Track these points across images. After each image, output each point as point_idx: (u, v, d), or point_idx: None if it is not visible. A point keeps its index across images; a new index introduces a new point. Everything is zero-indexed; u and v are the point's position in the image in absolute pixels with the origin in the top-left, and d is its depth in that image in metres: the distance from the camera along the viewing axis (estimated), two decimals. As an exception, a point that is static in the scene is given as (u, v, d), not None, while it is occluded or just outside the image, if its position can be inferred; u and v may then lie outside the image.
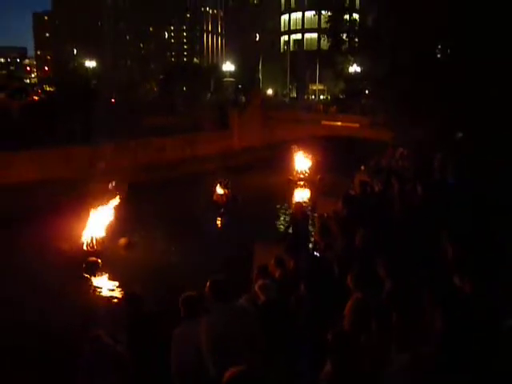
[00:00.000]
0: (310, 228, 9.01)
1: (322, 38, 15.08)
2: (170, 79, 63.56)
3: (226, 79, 67.66)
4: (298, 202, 12.56)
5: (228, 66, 64.56)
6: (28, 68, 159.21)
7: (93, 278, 12.24)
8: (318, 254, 6.81)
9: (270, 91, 66.26)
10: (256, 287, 6.44)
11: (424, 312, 3.29)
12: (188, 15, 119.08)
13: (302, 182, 25.06)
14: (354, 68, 17.45)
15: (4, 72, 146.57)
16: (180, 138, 28.85)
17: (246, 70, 69.47)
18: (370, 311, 3.74)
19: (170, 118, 33.38)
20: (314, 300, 4.78)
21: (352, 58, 14.77)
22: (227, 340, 3.71)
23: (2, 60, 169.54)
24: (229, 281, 3.87)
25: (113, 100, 52.10)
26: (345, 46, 13.34)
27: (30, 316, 9.37)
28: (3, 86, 53.52)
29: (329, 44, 13.40)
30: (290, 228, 9.45)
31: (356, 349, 2.92)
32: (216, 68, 74.78)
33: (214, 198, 20.06)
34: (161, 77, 74.93)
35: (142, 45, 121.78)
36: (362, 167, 12.74)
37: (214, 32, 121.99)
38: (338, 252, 6.04)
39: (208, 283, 3.82)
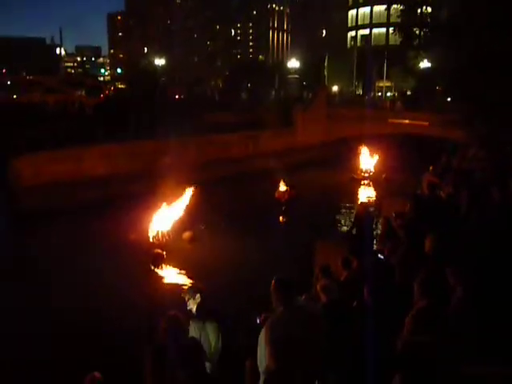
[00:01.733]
0: (375, 229, 8.74)
1: (392, 33, 14.58)
2: (235, 76, 64.38)
3: (290, 76, 67.43)
4: (363, 202, 12.29)
5: (293, 63, 64.29)
6: (102, 66, 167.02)
7: (157, 270, 12.63)
8: (382, 257, 6.60)
9: (335, 88, 65.20)
10: (318, 287, 6.32)
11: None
12: (254, 12, 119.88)
13: (366, 181, 24.49)
14: (426, 64, 16.77)
15: (80, 70, 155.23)
16: (243, 135, 29.11)
17: (311, 67, 68.77)
18: (435, 320, 3.56)
19: (235, 115, 33.78)
20: (377, 306, 4.62)
21: (424, 54, 14.18)
22: (289, 342, 3.66)
23: (79, 59, 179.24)
24: (294, 281, 3.81)
25: (179, 96, 53.51)
26: (416, 41, 12.84)
27: (94, 303, 9.84)
28: (80, 84, 56.61)
29: (400, 39, 12.94)
30: (354, 229, 9.26)
31: (428, 360, 2.71)
32: (281, 65, 74.77)
33: (276, 195, 20.06)
34: (226, 73, 76.02)
35: (208, 42, 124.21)
36: (431, 167, 12.21)
37: (280, 29, 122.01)
38: (402, 256, 5.82)
39: (273, 282, 3.76)
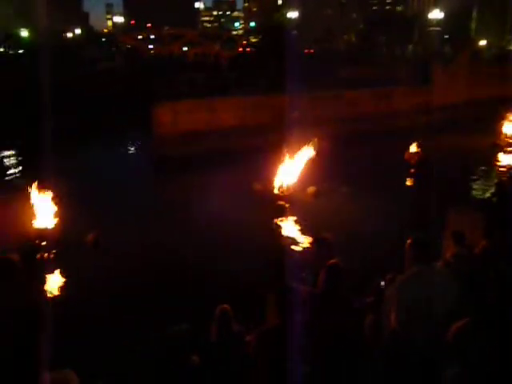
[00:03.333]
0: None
1: None
2: (370, 29, 61.19)
3: (431, 28, 62.12)
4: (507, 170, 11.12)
5: (435, 14, 58.91)
6: (236, 20, 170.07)
7: (279, 221, 12.98)
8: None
9: (483, 42, 58.77)
10: (448, 255, 5.97)
11: None
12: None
13: (510, 148, 22.10)
14: None
15: (216, 24, 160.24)
16: (374, 92, 27.84)
17: (455, 18, 62.52)
18: None
19: (368, 70, 32.35)
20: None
21: None
22: (416, 304, 3.53)
23: (215, 13, 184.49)
24: (430, 241, 3.61)
25: (311, 50, 52.66)
26: None
27: (221, 248, 10.43)
28: (217, 37, 58.64)
29: None
30: (496, 197, 8.46)
31: None
32: (421, 16, 68.97)
33: (406, 156, 19.04)
34: (361, 26, 72.67)
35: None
36: None
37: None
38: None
39: (409, 242, 3.62)
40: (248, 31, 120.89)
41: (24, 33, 60.35)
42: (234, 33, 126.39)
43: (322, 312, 3.20)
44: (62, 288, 9.46)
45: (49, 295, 9.19)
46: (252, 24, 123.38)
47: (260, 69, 30.25)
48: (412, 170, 18.48)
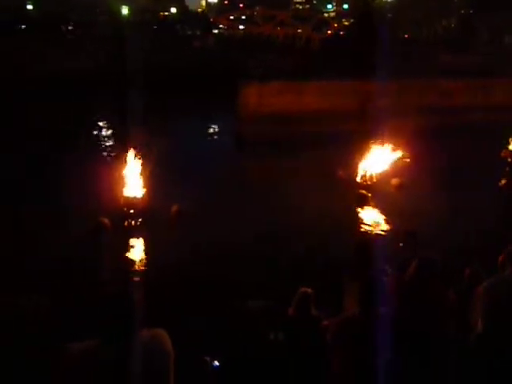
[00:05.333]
0: None
1: None
2: (472, 14, 57.13)
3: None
4: None
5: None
6: (329, 2, 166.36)
7: (360, 210, 12.75)
8: None
9: None
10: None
11: None
12: None
13: None
14: None
15: (308, 6, 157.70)
16: (472, 82, 26.08)
17: None
18: None
19: (467, 58, 30.39)
20: None
21: None
22: (505, 307, 3.35)
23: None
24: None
25: (405, 36, 50.37)
26: None
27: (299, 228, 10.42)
28: (308, 19, 57.82)
29: None
30: None
31: None
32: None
33: (502, 154, 17.78)
34: (461, 12, 68.17)
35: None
36: None
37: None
38: None
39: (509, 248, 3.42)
40: (341, 14, 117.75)
41: (124, 10, 63.39)
42: (326, 15, 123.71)
43: (409, 304, 3.13)
44: (143, 255, 10.05)
45: (131, 260, 9.84)
46: (345, 6, 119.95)
47: (351, 53, 29.50)
48: (507, 169, 17.25)
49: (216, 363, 4.48)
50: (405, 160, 14.40)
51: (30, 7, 65.52)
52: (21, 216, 11.00)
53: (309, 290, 4.30)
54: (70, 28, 51.46)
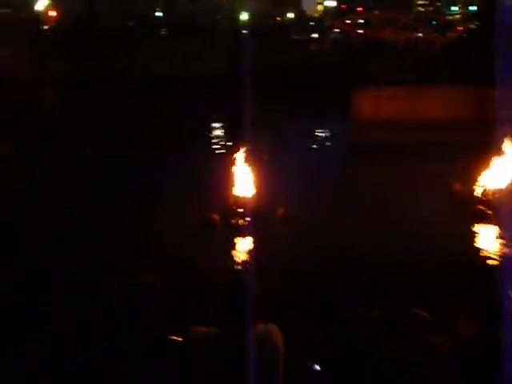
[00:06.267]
0: None
1: None
2: None
3: None
4: None
5: None
6: (454, 4, 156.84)
7: (479, 226, 11.89)
8: None
9: None
10: None
11: None
12: None
13: None
14: None
15: (431, 8, 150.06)
16: None
17: None
18: None
19: None
20: None
21: None
22: None
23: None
24: None
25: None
26: None
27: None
28: (432, 22, 54.85)
29: None
30: None
31: None
32: None
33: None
34: None
35: None
36: None
37: None
38: None
39: None
40: (467, 16, 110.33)
41: (244, 16, 65.73)
42: (450, 18, 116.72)
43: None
44: (248, 254, 10.38)
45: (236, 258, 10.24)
46: (473, 8, 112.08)
47: (476, 59, 27.50)
48: None
49: (317, 367, 4.50)
50: None
51: (159, 14, 71.19)
52: (141, 209, 12.06)
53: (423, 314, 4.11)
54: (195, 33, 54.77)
